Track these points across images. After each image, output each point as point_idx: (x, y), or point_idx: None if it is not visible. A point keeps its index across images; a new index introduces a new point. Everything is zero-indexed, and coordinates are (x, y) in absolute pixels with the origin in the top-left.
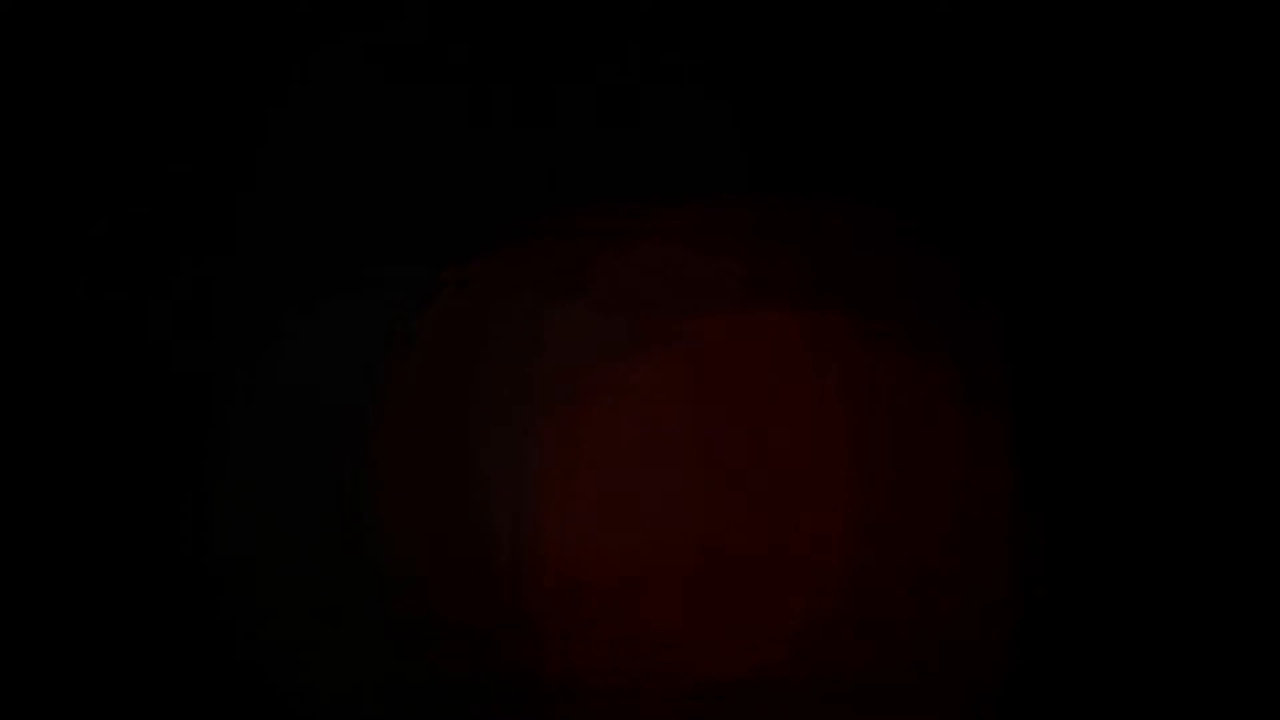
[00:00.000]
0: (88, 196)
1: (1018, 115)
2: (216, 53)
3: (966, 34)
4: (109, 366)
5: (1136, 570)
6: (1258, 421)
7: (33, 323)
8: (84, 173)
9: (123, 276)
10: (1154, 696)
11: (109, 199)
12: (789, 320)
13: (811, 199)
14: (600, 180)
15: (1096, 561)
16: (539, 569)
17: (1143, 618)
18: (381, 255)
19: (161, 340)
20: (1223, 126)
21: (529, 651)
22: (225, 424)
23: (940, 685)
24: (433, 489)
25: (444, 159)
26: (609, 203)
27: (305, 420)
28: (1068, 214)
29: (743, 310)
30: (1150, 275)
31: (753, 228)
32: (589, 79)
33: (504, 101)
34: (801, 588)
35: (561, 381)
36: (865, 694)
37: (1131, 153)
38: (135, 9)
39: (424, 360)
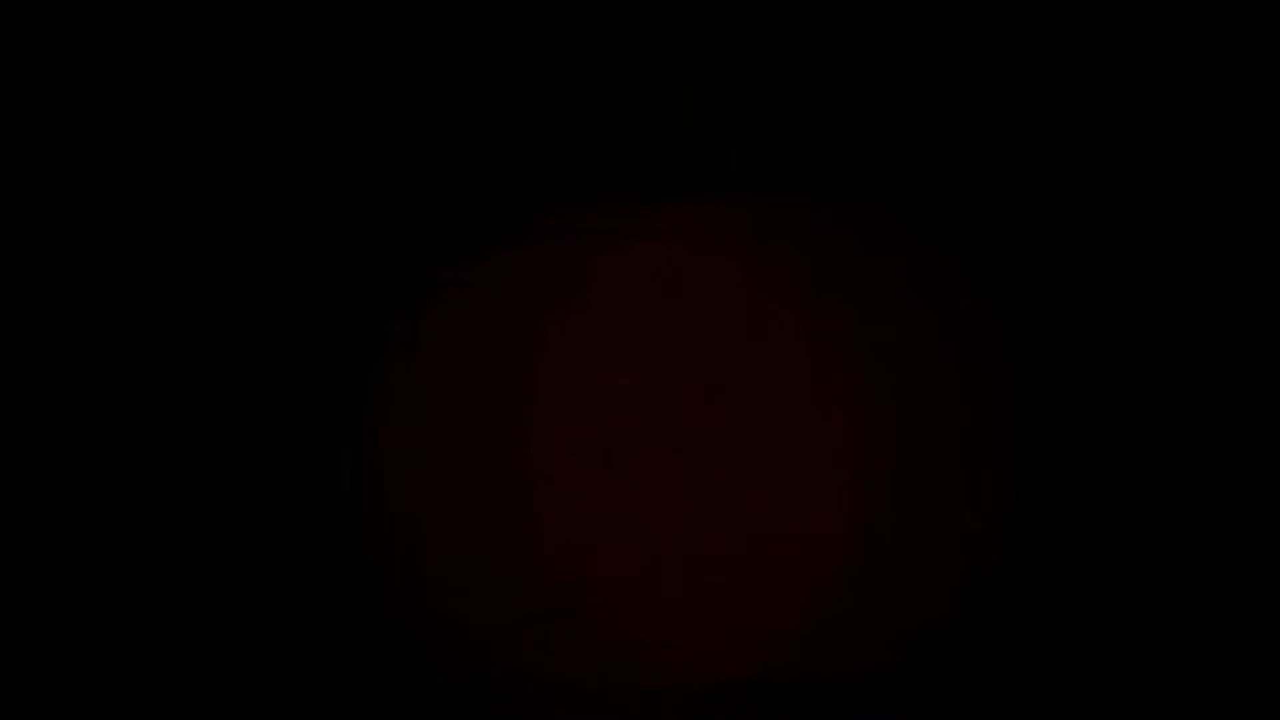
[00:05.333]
0: (88, 196)
1: (1018, 115)
2: (217, 54)
3: (966, 34)
4: (109, 366)
5: (1139, 569)
6: (1260, 420)
7: (33, 323)
8: (84, 173)
9: (123, 276)
10: (1155, 695)
11: (109, 199)
12: (789, 320)
13: (811, 199)
14: (600, 180)
15: (1098, 561)
16: (539, 569)
17: (1145, 617)
18: (381, 255)
19: (161, 340)
20: (1223, 126)
21: (529, 651)
22: (224, 424)
23: (940, 685)
24: (432, 489)
25: (444, 159)
26: (609, 203)
27: (304, 420)
28: (1068, 212)
29: (743, 310)
30: (1152, 274)
31: (753, 228)
32: (589, 79)
33: (504, 101)
34: (801, 588)
35: (561, 381)
36: (865, 694)
37: (1132, 152)
38: (135, 9)
39: (424, 360)
